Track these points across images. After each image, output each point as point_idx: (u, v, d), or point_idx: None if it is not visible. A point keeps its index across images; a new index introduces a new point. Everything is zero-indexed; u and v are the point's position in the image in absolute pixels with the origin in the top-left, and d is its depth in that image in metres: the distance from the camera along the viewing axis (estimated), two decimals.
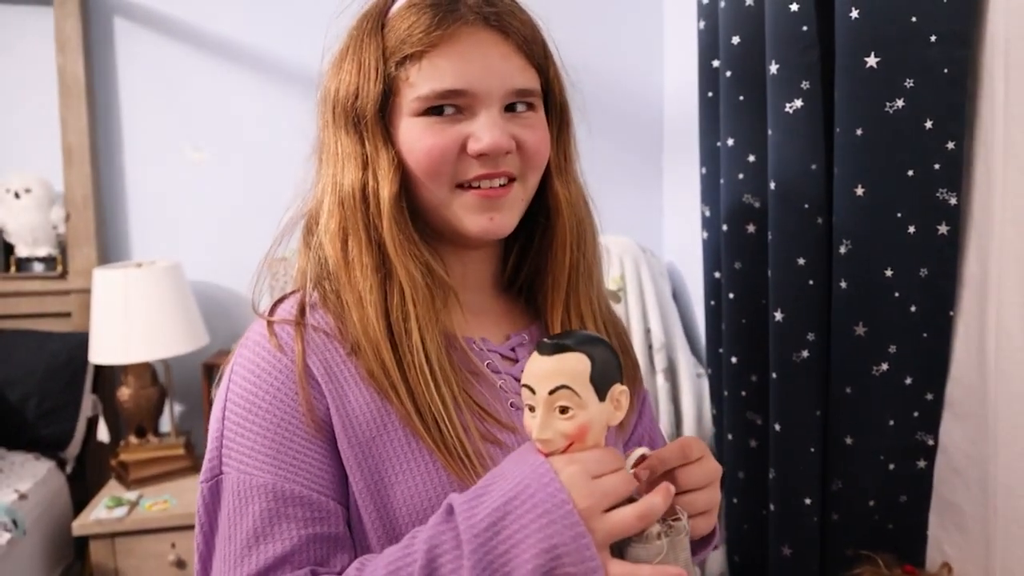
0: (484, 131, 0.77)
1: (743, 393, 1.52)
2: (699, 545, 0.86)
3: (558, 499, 0.63)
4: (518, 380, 0.78)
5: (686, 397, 1.76)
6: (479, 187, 0.79)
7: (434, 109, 0.77)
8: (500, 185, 0.80)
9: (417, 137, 0.78)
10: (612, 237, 1.90)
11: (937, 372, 1.23)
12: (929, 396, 1.24)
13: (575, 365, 0.64)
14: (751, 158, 1.43)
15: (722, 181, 1.49)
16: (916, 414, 1.26)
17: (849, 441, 1.30)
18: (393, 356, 0.77)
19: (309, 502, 0.75)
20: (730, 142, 1.45)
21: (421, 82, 0.77)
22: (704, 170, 1.59)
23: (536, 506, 0.63)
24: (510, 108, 0.80)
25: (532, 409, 0.66)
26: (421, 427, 0.76)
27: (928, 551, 1.29)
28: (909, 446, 1.27)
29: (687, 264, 2.00)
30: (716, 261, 1.57)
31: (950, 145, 1.14)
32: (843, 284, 1.25)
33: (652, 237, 2.10)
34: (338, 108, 0.81)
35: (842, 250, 1.24)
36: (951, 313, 1.20)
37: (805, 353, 1.32)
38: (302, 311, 0.80)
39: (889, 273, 1.21)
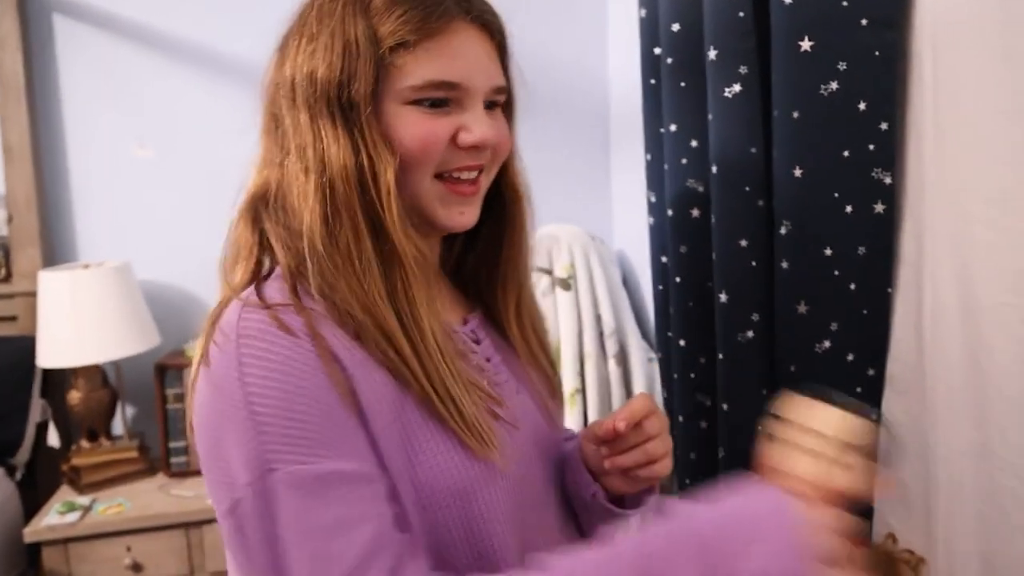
0: (476, 125, 0.80)
1: (692, 375, 1.54)
2: (649, 491, 0.99)
3: (805, 540, 0.66)
4: (488, 360, 0.88)
5: (637, 381, 1.78)
6: (455, 179, 0.82)
7: (424, 99, 0.79)
8: (472, 179, 0.83)
9: (410, 125, 0.79)
10: (561, 226, 1.91)
11: (878, 348, 1.26)
12: (871, 372, 1.27)
13: (869, 432, 0.72)
14: (694, 143, 1.45)
15: (666, 167, 1.51)
16: (859, 390, 1.29)
17: None
18: (407, 342, 0.77)
19: (375, 478, 0.73)
20: (673, 128, 1.47)
21: (415, 71, 0.78)
22: (649, 156, 1.60)
23: (782, 539, 0.66)
24: (488, 104, 0.83)
25: (798, 449, 0.72)
26: (443, 410, 0.77)
27: (874, 524, 1.32)
28: None
29: (636, 251, 2.02)
30: (663, 246, 1.58)
31: (883, 126, 1.17)
32: (784, 264, 1.27)
33: (602, 225, 2.11)
34: (318, 91, 0.78)
35: (782, 231, 1.26)
36: (889, 290, 1.23)
37: (750, 333, 1.35)
38: (297, 295, 0.77)
39: (828, 252, 1.23)
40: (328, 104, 0.78)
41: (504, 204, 0.91)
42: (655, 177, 1.59)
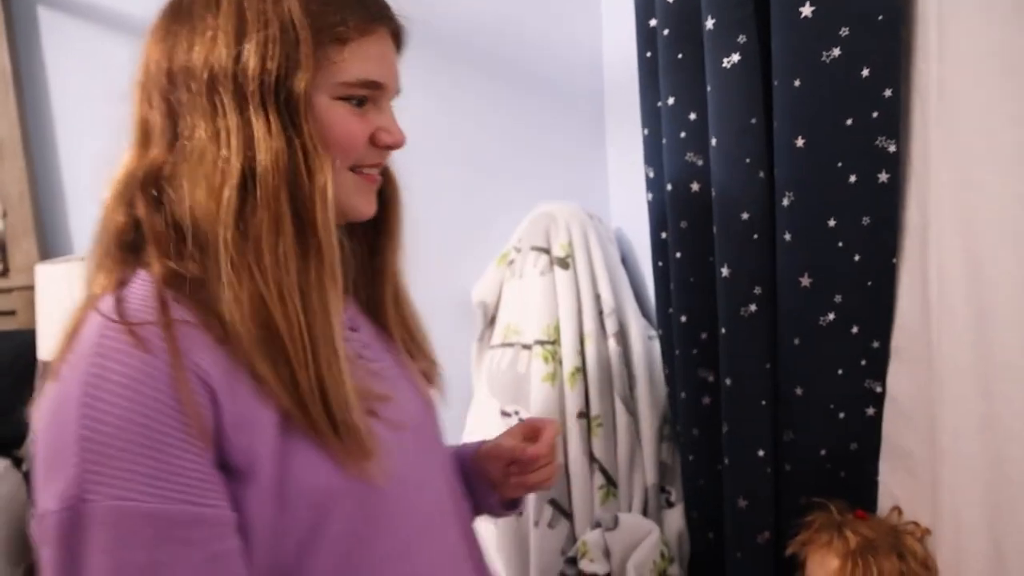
0: (394, 126, 0.84)
1: (694, 351, 1.52)
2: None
3: None
4: (367, 347, 0.88)
5: (638, 360, 1.76)
6: (363, 172, 0.84)
7: (352, 96, 0.80)
8: (376, 171, 0.86)
9: (340, 120, 0.79)
10: (558, 204, 1.89)
11: (883, 320, 1.24)
12: (875, 344, 1.26)
13: None
14: (692, 116, 1.43)
15: (664, 141, 1.49)
16: (863, 362, 1.27)
17: (799, 392, 1.32)
18: (306, 345, 0.73)
19: (205, 519, 0.68)
20: (671, 101, 1.45)
21: (350, 68, 0.79)
22: (647, 131, 1.58)
23: None
24: None
25: None
26: (323, 423, 0.74)
27: (879, 497, 1.31)
28: (858, 394, 1.29)
29: (634, 229, 2.00)
30: (662, 222, 1.56)
31: (887, 92, 1.15)
32: (787, 236, 1.26)
33: (599, 203, 2.09)
34: (250, 77, 0.74)
35: (785, 202, 1.24)
36: (894, 260, 1.21)
37: (752, 307, 1.33)
38: (163, 303, 0.71)
39: (832, 223, 1.22)
40: (262, 91, 0.74)
41: (385, 195, 0.92)
42: (653, 152, 1.57)
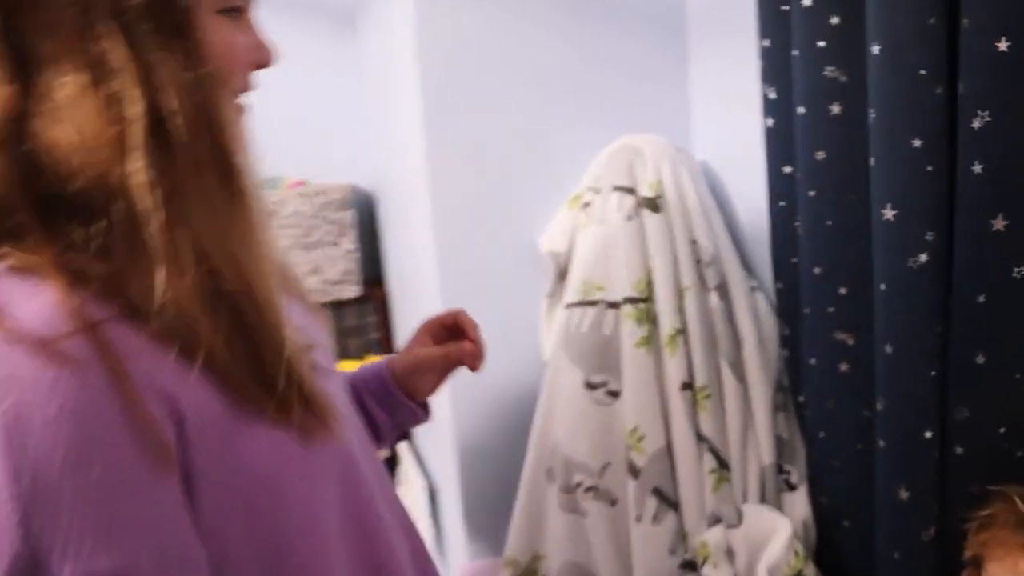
0: (266, 39, 0.72)
1: (829, 309, 1.27)
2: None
3: None
4: None
5: (743, 316, 1.51)
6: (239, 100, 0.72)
7: (231, 8, 0.67)
8: None
9: (227, 37, 0.66)
10: (642, 136, 1.62)
11: None
12: None
13: None
14: (834, 20, 1.14)
15: (795, 52, 1.21)
16: None
17: (980, 360, 1.06)
18: (258, 310, 0.63)
19: (172, 561, 0.58)
20: (806, 1, 1.17)
21: None
22: (767, 42, 1.30)
23: None
24: None
25: None
26: (292, 396, 0.65)
27: None
28: None
29: (726, 163, 1.73)
30: (787, 153, 1.29)
31: None
32: (976, 168, 0.99)
33: (679, 133, 1.81)
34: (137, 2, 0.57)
35: (975, 124, 0.97)
36: None
37: (923, 257, 1.07)
38: (73, 300, 0.55)
39: None
40: (147, 9, 0.58)
41: None
42: (777, 67, 1.29)
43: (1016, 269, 1.01)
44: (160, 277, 0.57)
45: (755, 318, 1.52)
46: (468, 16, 1.64)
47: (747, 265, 1.64)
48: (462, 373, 1.07)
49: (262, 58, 0.72)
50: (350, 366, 2.41)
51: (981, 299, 1.04)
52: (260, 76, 0.73)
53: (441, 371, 1.03)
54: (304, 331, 0.72)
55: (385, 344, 2.70)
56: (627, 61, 1.79)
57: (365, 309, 2.69)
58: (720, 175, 1.74)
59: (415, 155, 1.76)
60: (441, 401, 1.56)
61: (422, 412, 1.04)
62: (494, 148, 1.70)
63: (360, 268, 2.60)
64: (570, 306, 1.54)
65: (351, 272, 2.58)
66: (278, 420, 0.64)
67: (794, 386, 1.44)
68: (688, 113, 1.84)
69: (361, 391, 1.00)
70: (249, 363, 0.63)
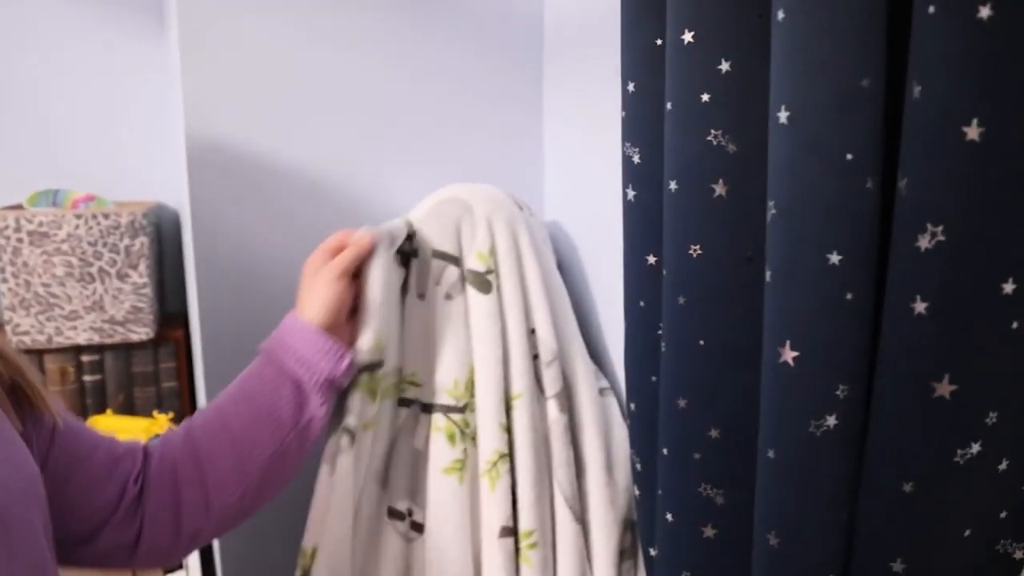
0: None
1: (696, 456, 0.93)
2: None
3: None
4: None
5: (589, 433, 1.17)
6: None
7: None
8: None
9: None
10: (474, 187, 1.26)
11: None
12: None
13: None
14: (725, 66, 0.81)
15: (669, 106, 0.87)
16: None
17: (897, 568, 0.75)
18: None
19: None
20: (687, 37, 0.83)
21: None
22: (632, 86, 0.95)
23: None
24: None
25: None
26: None
27: None
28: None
29: (580, 227, 1.39)
30: (653, 239, 0.96)
31: None
32: (918, 306, 0.67)
33: (526, 187, 1.47)
34: None
35: (922, 244, 0.65)
36: None
37: (831, 420, 0.74)
38: None
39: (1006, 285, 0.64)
40: None
41: None
42: (643, 122, 0.95)
43: (961, 451, 0.70)
44: None
45: (603, 434, 1.18)
46: (247, 21, 1.26)
47: (598, 358, 1.30)
48: None
49: None
50: (130, 424, 1.96)
51: (908, 487, 0.72)
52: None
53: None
54: None
55: (185, 395, 2.25)
56: (473, 99, 1.43)
57: (161, 353, 2.23)
58: (573, 241, 1.40)
59: (182, 173, 1.37)
60: None
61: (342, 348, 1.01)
62: (268, 169, 1.32)
63: (155, 305, 2.15)
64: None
65: (142, 310, 2.11)
66: None
67: (645, 537, 1.10)
68: (540, 162, 1.50)
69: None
70: None
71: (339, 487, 1.01)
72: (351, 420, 1.02)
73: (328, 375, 0.98)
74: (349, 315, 1.04)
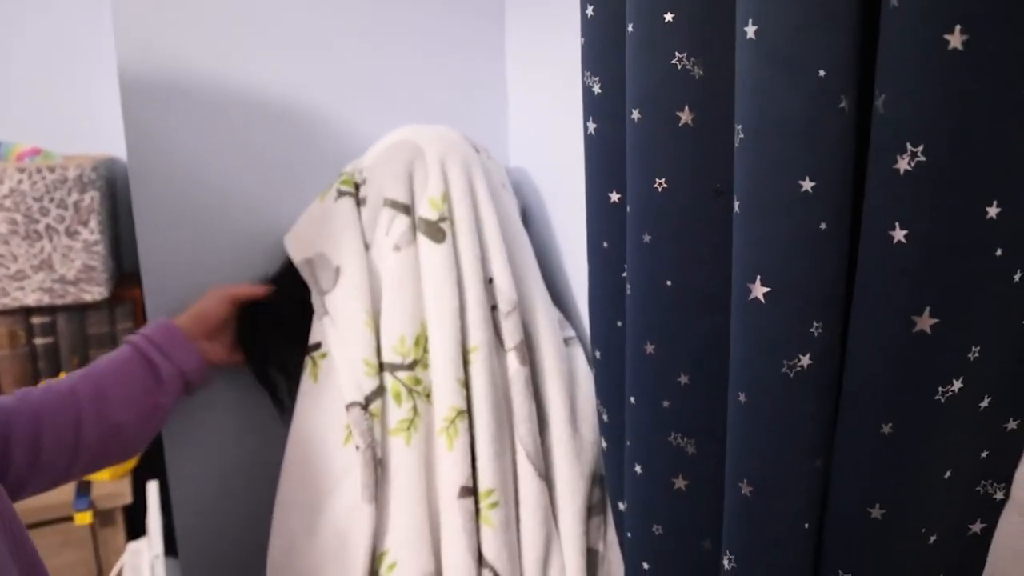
0: None
1: (665, 403, 0.88)
2: None
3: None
4: None
5: (552, 384, 1.12)
6: None
7: None
8: None
9: None
10: (428, 129, 1.19)
11: None
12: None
13: None
14: None
15: (630, 28, 0.81)
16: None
17: (876, 514, 0.71)
18: None
19: None
20: None
21: None
22: (592, 9, 0.89)
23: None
24: None
25: None
26: None
27: None
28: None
29: (544, 172, 1.33)
30: (615, 175, 0.90)
31: None
32: (897, 234, 0.62)
33: (488, 129, 1.40)
34: None
35: (901, 165, 0.60)
36: None
37: (806, 360, 0.69)
38: None
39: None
40: None
41: None
42: (604, 48, 0.88)
43: (942, 388, 0.65)
44: None
45: (568, 386, 1.13)
46: None
47: (565, 308, 1.24)
48: None
49: None
50: None
51: (887, 429, 0.67)
52: None
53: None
54: None
55: None
56: (428, 24, 1.35)
57: (118, 313, 2.15)
58: (538, 187, 1.34)
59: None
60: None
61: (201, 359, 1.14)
62: (211, 105, 1.24)
63: (109, 264, 2.07)
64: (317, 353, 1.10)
65: (94, 269, 2.03)
66: None
67: (613, 490, 1.06)
68: (504, 102, 1.43)
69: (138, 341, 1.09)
70: None
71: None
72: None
73: (178, 363, 1.11)
74: (221, 337, 1.21)
